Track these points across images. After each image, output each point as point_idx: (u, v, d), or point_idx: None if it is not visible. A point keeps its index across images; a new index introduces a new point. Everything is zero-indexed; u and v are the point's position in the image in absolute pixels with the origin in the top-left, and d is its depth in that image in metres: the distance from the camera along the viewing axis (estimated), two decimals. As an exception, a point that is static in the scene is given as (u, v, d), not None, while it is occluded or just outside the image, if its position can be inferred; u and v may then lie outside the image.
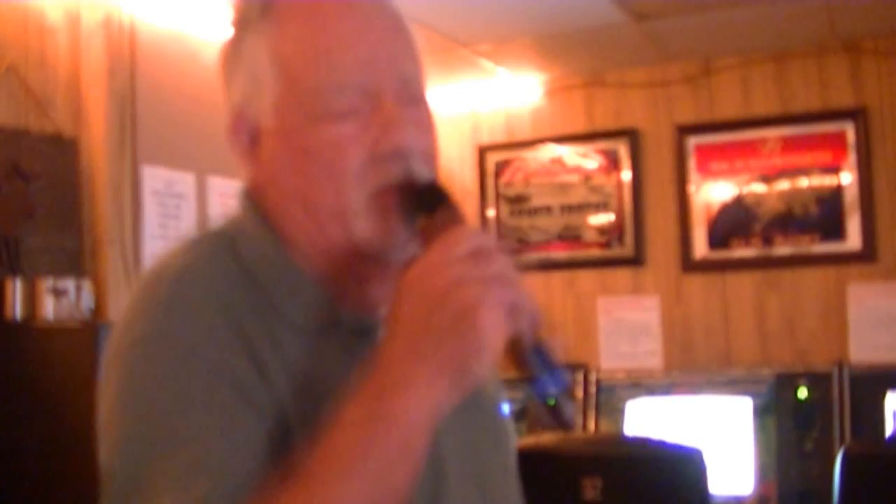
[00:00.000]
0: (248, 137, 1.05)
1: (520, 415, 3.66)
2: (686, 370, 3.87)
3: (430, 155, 1.05)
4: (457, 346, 0.87)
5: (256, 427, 0.94)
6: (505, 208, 4.30)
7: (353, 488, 0.87)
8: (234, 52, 1.06)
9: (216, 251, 1.04)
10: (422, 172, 1.02)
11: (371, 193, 1.00)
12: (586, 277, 4.17)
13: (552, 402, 0.93)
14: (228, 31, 1.08)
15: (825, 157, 3.84)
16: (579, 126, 4.20)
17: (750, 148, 3.94)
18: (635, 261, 4.09)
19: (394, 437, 0.88)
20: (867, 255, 3.75)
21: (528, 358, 0.91)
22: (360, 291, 1.06)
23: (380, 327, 1.03)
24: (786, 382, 3.56)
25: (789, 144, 3.89)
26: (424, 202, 0.99)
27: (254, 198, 1.08)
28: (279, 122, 1.02)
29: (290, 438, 0.95)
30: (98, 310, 2.77)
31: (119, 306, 2.83)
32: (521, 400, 3.62)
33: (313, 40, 1.01)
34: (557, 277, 4.19)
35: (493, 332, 0.87)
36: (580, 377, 3.84)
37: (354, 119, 1.00)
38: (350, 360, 1.00)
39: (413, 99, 1.04)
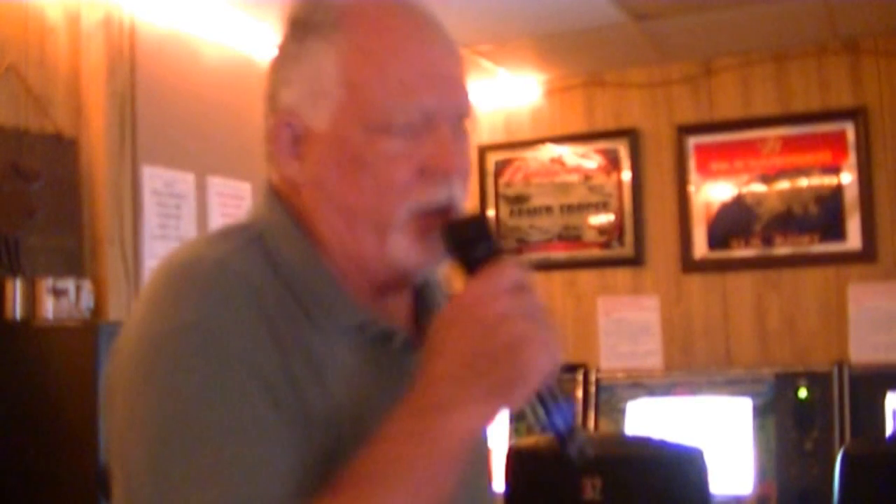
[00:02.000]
0: (293, 138, 1.07)
1: (519, 416, 3.66)
2: (686, 370, 3.87)
3: (468, 183, 1.11)
4: (505, 374, 0.93)
5: (284, 431, 0.95)
6: (505, 208, 4.30)
7: (396, 500, 0.91)
8: (294, 53, 1.07)
9: (247, 246, 1.04)
10: (461, 199, 1.07)
11: (413, 211, 1.04)
12: (586, 277, 4.17)
13: (562, 440, 0.99)
14: (285, 33, 1.09)
15: (825, 157, 3.84)
16: (579, 126, 4.20)
17: (750, 148, 3.94)
18: (635, 261, 4.09)
19: (437, 455, 0.93)
20: (867, 255, 3.75)
21: (543, 393, 0.97)
22: (380, 300, 1.09)
23: (398, 336, 1.07)
24: (786, 382, 3.56)
25: (789, 144, 3.89)
26: (471, 234, 1.03)
27: (286, 199, 1.09)
28: (334, 129, 1.04)
29: (313, 440, 0.96)
30: (98, 310, 2.76)
31: (119, 306, 2.83)
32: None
33: (383, 56, 1.04)
34: (557, 277, 4.19)
35: (538, 365, 0.94)
36: (580, 377, 3.84)
37: (410, 137, 1.03)
38: (373, 363, 1.04)
39: (464, 130, 1.09)
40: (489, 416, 0.95)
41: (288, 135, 1.07)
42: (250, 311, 0.97)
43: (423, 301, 1.15)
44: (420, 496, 0.92)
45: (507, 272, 0.97)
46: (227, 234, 1.08)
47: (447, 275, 1.13)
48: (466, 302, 0.96)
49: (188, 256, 1.02)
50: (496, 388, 0.94)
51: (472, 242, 1.03)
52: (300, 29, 1.08)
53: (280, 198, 1.09)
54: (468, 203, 1.07)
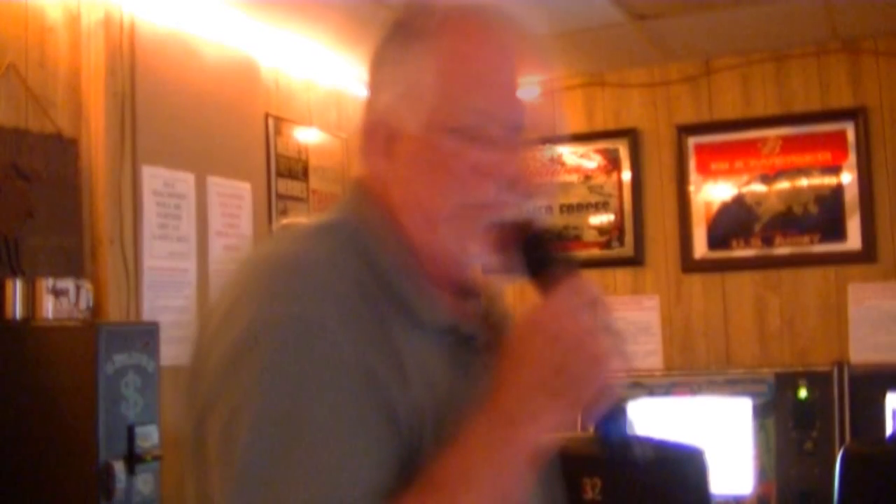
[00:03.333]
0: (386, 136, 1.09)
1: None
2: (686, 370, 3.87)
3: (542, 190, 1.13)
4: (588, 387, 0.97)
5: (391, 432, 0.96)
6: (505, 208, 4.29)
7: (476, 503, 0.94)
8: (396, 56, 1.10)
9: (345, 244, 1.05)
10: (539, 214, 1.10)
11: (493, 224, 1.07)
12: (586, 277, 4.16)
13: (629, 447, 1.03)
14: (389, 34, 1.11)
15: (825, 157, 3.84)
16: (579, 126, 4.20)
17: (750, 148, 3.94)
18: (635, 261, 4.09)
19: (518, 462, 0.96)
20: (867, 255, 3.75)
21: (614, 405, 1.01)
22: (460, 304, 1.12)
23: (478, 337, 1.11)
24: (786, 382, 3.56)
25: (789, 144, 3.89)
26: (546, 248, 1.07)
27: (372, 192, 1.11)
28: (426, 132, 1.07)
29: (421, 441, 0.99)
30: (98, 310, 2.76)
31: (119, 306, 2.83)
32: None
33: (482, 66, 1.07)
34: (557, 277, 4.18)
35: (618, 379, 0.98)
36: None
37: (496, 149, 1.06)
38: (459, 365, 1.07)
39: (539, 147, 1.13)
40: (565, 426, 0.98)
41: (382, 133, 1.09)
42: (350, 308, 0.98)
43: (489, 308, 1.18)
44: (502, 500, 0.96)
45: (582, 287, 1.01)
46: (321, 231, 1.09)
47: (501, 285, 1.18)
48: (549, 314, 0.99)
49: (285, 251, 1.03)
50: (578, 401, 0.97)
51: (548, 256, 1.06)
52: (402, 33, 1.10)
53: (369, 195, 1.11)
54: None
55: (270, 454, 0.91)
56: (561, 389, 0.96)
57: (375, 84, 1.12)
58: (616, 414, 1.01)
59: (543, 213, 1.12)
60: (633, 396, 3.76)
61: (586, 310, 0.99)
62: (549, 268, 1.05)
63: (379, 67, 1.12)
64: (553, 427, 0.98)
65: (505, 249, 1.08)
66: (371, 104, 1.11)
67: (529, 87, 1.11)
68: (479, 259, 1.09)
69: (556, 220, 1.10)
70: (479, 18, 1.09)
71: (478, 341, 1.10)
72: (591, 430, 1.03)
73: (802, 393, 3.51)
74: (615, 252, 4.13)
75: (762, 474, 3.47)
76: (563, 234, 1.09)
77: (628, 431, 1.02)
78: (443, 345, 1.06)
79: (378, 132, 1.09)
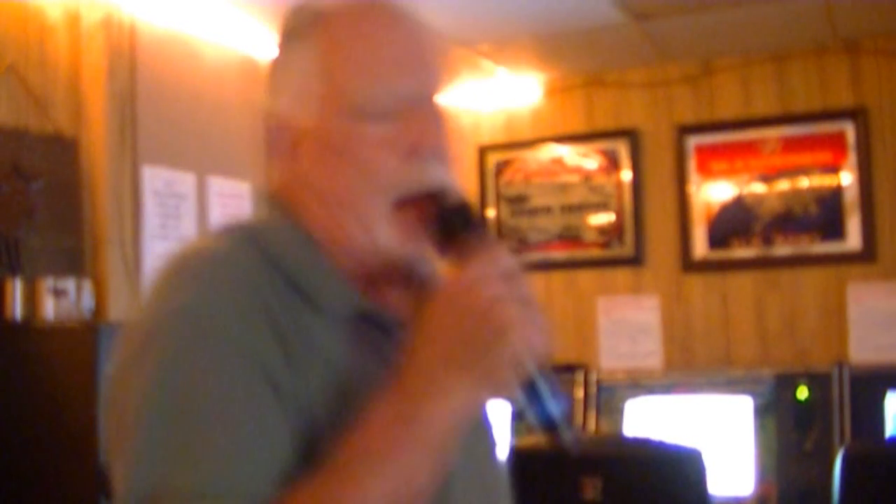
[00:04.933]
0: (288, 141, 1.09)
1: (520, 415, 3.66)
2: (686, 370, 3.87)
3: (452, 157, 1.10)
4: (496, 360, 0.93)
5: (282, 418, 0.96)
6: (505, 208, 4.30)
7: (382, 485, 0.91)
8: (281, 62, 1.12)
9: (242, 241, 1.06)
10: (450, 183, 1.07)
11: (397, 200, 1.04)
12: (586, 277, 4.17)
13: (556, 429, 0.97)
14: (277, 46, 1.13)
15: (825, 157, 3.84)
16: (579, 126, 4.20)
17: (750, 148, 3.94)
18: (635, 261, 4.09)
19: (426, 441, 0.93)
20: (867, 255, 3.75)
21: (535, 381, 0.96)
22: (378, 292, 1.10)
23: (399, 325, 1.08)
24: (786, 382, 3.56)
25: (789, 144, 3.89)
26: (458, 221, 1.03)
27: (278, 199, 1.11)
28: (319, 123, 1.07)
29: (314, 427, 0.97)
30: (98, 310, 2.77)
31: (119, 306, 2.83)
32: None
33: (357, 46, 1.07)
34: (557, 277, 4.19)
35: (528, 350, 0.93)
36: (580, 377, 3.84)
37: (392, 122, 1.05)
38: (373, 351, 1.05)
39: (445, 115, 1.10)
40: (479, 402, 0.96)
41: (283, 140, 1.09)
42: (246, 297, 0.98)
43: (422, 296, 1.15)
44: (408, 483, 0.92)
45: (496, 258, 0.97)
46: (225, 230, 1.10)
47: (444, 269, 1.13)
48: (456, 287, 0.96)
49: (186, 251, 1.05)
50: (488, 374, 0.93)
51: (459, 229, 1.03)
52: (285, 38, 1.12)
53: (275, 200, 1.11)
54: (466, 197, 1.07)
55: (162, 445, 0.92)
56: (467, 363, 0.93)
57: (269, 95, 1.12)
58: (537, 393, 0.95)
59: (453, 185, 1.07)
60: (633, 396, 3.77)
61: (498, 280, 0.94)
62: (462, 240, 1.01)
63: (270, 78, 1.13)
64: (463, 404, 0.94)
65: (416, 225, 1.05)
66: (269, 114, 1.11)
67: (416, 55, 1.09)
68: (391, 241, 1.05)
69: (466, 193, 1.05)
70: (352, 6, 1.10)
71: (398, 329, 1.07)
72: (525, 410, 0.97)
73: (802, 393, 3.51)
74: (615, 252, 4.13)
75: (762, 474, 3.47)
76: (473, 205, 1.04)
77: (556, 412, 0.96)
78: (353, 332, 1.05)
79: (278, 139, 1.09)
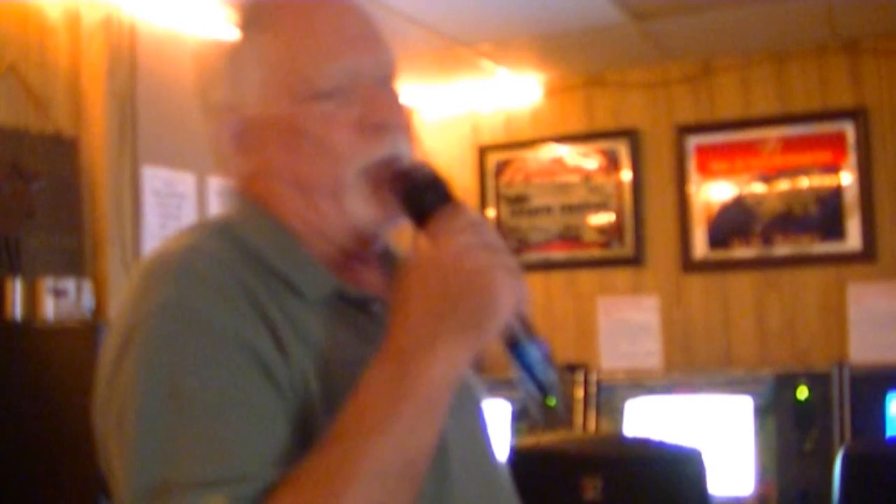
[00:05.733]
0: (234, 134, 1.10)
1: (520, 414, 3.66)
2: (686, 370, 3.87)
3: (411, 130, 1.11)
4: (474, 304, 0.94)
5: (277, 401, 0.96)
6: (505, 208, 4.30)
7: (385, 444, 0.91)
8: (236, 54, 1.11)
9: (216, 235, 1.06)
10: (407, 152, 1.08)
11: (362, 169, 1.05)
12: (586, 277, 4.17)
13: (543, 387, 0.98)
14: (226, 39, 1.12)
15: (825, 157, 3.84)
16: (579, 126, 4.20)
17: (750, 148, 3.94)
18: (635, 261, 4.09)
19: (421, 395, 0.93)
20: (867, 255, 3.75)
21: (512, 326, 0.97)
22: (353, 271, 1.11)
23: (376, 302, 1.09)
24: (786, 382, 3.56)
25: (789, 144, 3.89)
26: (430, 194, 1.04)
27: (245, 194, 1.11)
28: (265, 109, 1.07)
29: (309, 408, 0.98)
30: (98, 310, 2.77)
31: (119, 301, 2.83)
32: (521, 399, 3.62)
33: (314, 31, 1.07)
34: (557, 277, 4.19)
35: (504, 291, 0.95)
36: (580, 377, 3.84)
37: (339, 97, 1.05)
38: (354, 331, 1.06)
39: (389, 79, 1.11)
40: (467, 350, 0.96)
41: (228, 133, 1.10)
42: (228, 285, 0.99)
43: (391, 273, 1.16)
44: (410, 440, 0.93)
45: (461, 212, 0.99)
46: (198, 227, 1.11)
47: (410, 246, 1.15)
48: (427, 247, 0.98)
49: (159, 251, 1.05)
50: (469, 319, 0.94)
51: (422, 190, 1.04)
52: (238, 30, 1.13)
53: (242, 194, 1.12)
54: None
55: (161, 438, 0.92)
56: (448, 312, 0.94)
57: (204, 91, 1.12)
58: (521, 350, 0.97)
59: (419, 159, 1.08)
60: (633, 396, 3.76)
61: (465, 231, 0.97)
62: (426, 202, 1.03)
63: (204, 78, 1.13)
64: (453, 354, 0.95)
65: (381, 193, 1.06)
66: (210, 112, 1.12)
67: (358, 30, 1.10)
68: (366, 215, 1.07)
69: (424, 160, 1.06)
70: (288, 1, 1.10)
71: (376, 305, 1.09)
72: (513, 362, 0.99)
73: (802, 393, 3.51)
74: (615, 252, 4.13)
75: (762, 475, 3.47)
76: (433, 167, 1.04)
77: (543, 368, 0.98)
78: (334, 313, 1.05)
79: (223, 133, 1.10)
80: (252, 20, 1.10)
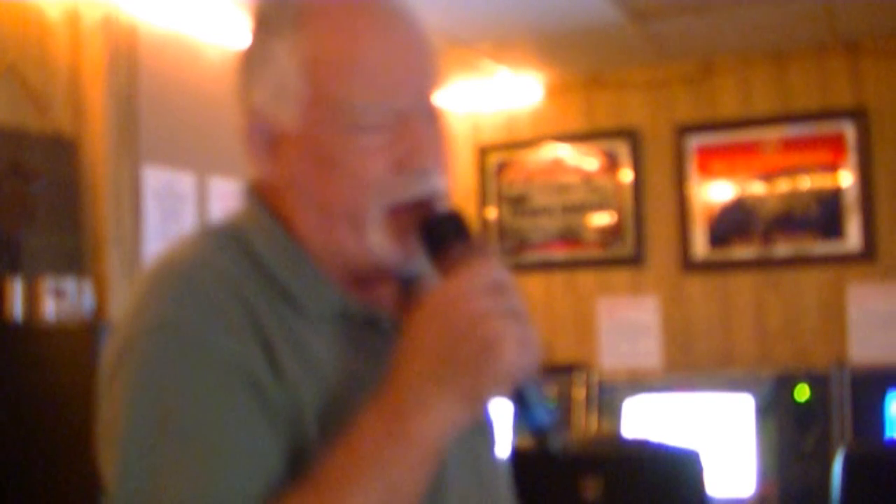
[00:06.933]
0: (266, 139, 1.06)
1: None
2: (686, 370, 3.87)
3: (447, 172, 1.08)
4: (479, 376, 0.92)
5: (267, 427, 0.95)
6: (505, 208, 4.30)
7: (368, 499, 0.91)
8: (258, 55, 1.07)
9: (224, 243, 1.05)
10: (442, 191, 1.05)
11: (390, 207, 1.02)
12: (586, 277, 4.17)
13: (545, 436, 0.98)
14: (250, 34, 1.09)
15: (825, 157, 3.84)
16: (579, 126, 4.20)
17: (750, 148, 3.94)
18: (635, 261, 4.09)
19: (410, 457, 0.92)
20: (867, 255, 3.76)
21: (524, 391, 0.96)
22: (367, 289, 1.09)
23: (388, 321, 1.07)
24: (786, 382, 3.56)
25: (789, 144, 3.89)
26: (447, 231, 1.02)
27: (262, 196, 1.09)
28: (305, 129, 1.03)
29: (303, 434, 0.97)
30: (99, 310, 2.77)
31: (120, 306, 2.83)
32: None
33: (347, 53, 1.02)
34: (557, 277, 4.19)
35: (512, 366, 0.92)
36: (580, 377, 3.84)
37: (382, 133, 1.02)
38: (360, 347, 1.04)
39: (434, 117, 1.07)
40: (463, 417, 0.94)
41: (261, 136, 1.06)
42: (232, 306, 0.97)
43: (412, 290, 1.14)
44: (396, 494, 0.92)
45: (483, 270, 0.95)
46: (207, 233, 1.08)
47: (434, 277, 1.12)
48: (442, 300, 0.94)
49: (169, 257, 1.03)
50: (471, 390, 0.93)
51: (447, 239, 1.01)
52: (262, 29, 1.08)
53: (260, 198, 1.09)
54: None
55: (146, 466, 0.92)
56: (451, 378, 0.92)
57: (244, 86, 1.08)
58: (525, 403, 0.96)
59: (443, 194, 1.05)
60: (633, 396, 3.76)
61: (483, 294, 0.93)
62: (452, 250, 1.00)
63: (245, 69, 1.08)
64: (450, 419, 0.93)
65: (405, 234, 1.03)
66: (246, 107, 1.07)
67: (410, 66, 1.04)
68: (383, 248, 1.03)
69: (457, 203, 1.04)
70: (339, 4, 1.04)
71: (385, 324, 1.07)
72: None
73: (802, 393, 3.51)
74: (615, 252, 4.13)
75: (763, 475, 3.47)
76: (462, 215, 1.01)
77: (544, 420, 0.97)
78: (340, 333, 1.04)
79: (256, 136, 1.06)
80: (289, 18, 1.05)
